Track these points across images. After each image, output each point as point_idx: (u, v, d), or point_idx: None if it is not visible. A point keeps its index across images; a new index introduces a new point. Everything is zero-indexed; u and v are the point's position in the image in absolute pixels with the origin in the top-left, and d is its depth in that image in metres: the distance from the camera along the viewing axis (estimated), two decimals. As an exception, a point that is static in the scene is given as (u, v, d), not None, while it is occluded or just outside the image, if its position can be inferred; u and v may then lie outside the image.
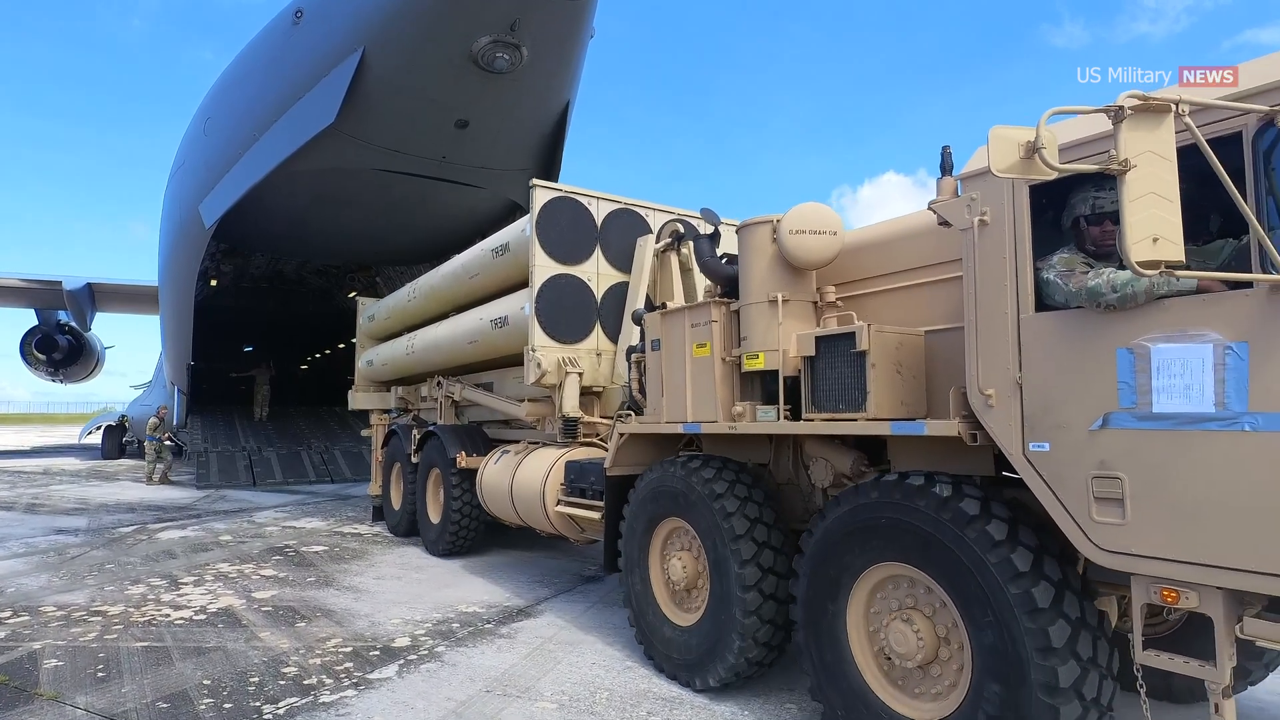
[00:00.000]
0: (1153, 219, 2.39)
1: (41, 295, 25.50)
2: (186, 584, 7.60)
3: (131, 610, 6.63)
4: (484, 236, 9.42)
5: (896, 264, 4.55)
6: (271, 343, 24.88)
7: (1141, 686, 3.08)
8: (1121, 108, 2.38)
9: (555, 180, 12.69)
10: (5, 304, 26.70)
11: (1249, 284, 2.65)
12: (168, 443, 18.01)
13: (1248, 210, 2.47)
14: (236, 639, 5.80)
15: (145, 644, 5.67)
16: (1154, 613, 3.83)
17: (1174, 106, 2.44)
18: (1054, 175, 2.48)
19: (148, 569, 8.29)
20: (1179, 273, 2.45)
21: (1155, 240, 2.39)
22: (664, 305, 6.12)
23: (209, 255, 17.43)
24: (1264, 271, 2.58)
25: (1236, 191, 2.47)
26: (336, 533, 10.87)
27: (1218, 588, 2.72)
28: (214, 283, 20.07)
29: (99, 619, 6.37)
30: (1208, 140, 2.68)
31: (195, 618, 6.40)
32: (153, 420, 18.16)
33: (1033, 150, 2.41)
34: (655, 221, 7.82)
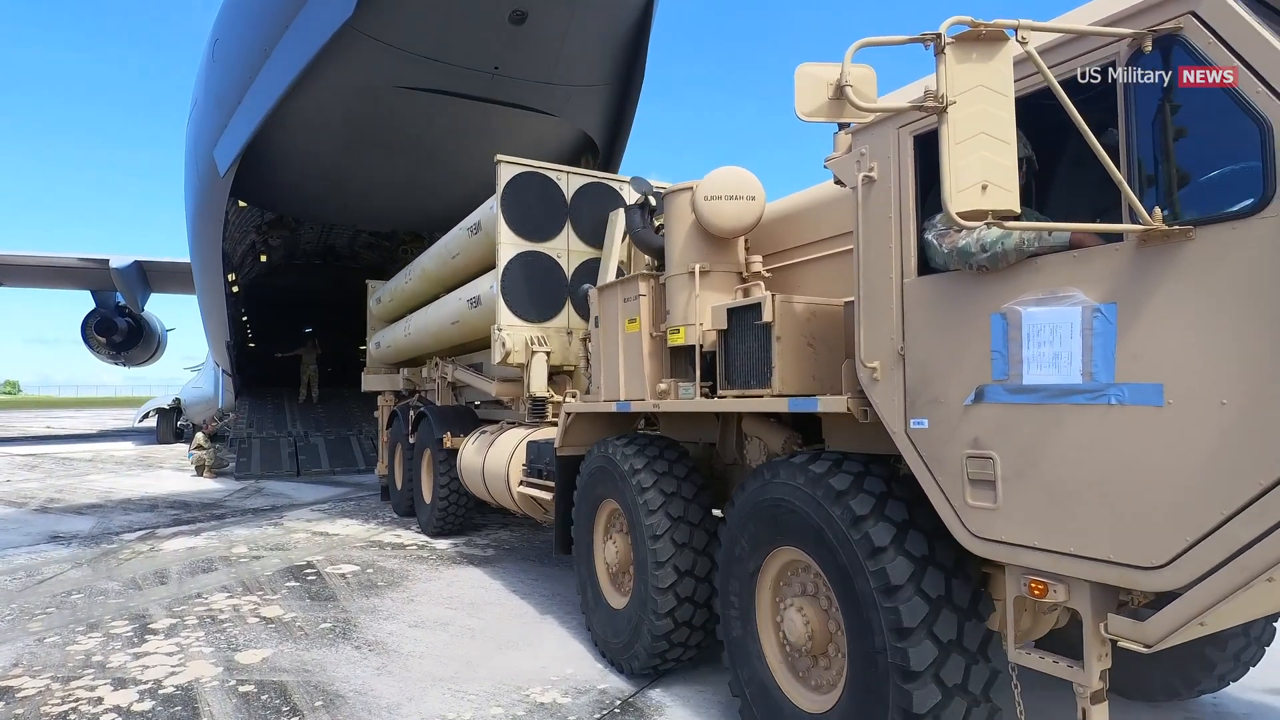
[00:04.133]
0: (982, 162, 2.09)
1: (90, 276, 24.69)
2: (156, 633, 5.62)
3: (55, 687, 4.60)
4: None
5: (823, 230, 4.27)
6: (327, 323, 24.42)
7: (1016, 686, 2.79)
8: (940, 35, 2.08)
9: (632, 112, 10.81)
10: (55, 285, 26.22)
11: (1121, 237, 2.33)
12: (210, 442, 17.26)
13: (1101, 151, 2.15)
14: (176, 765, 3.69)
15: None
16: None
17: (1012, 35, 2.14)
18: (869, 118, 2.20)
19: (120, 603, 6.40)
20: (1008, 224, 2.15)
21: (984, 188, 2.10)
22: None
23: (254, 228, 16.68)
24: (1132, 222, 2.25)
25: (1089, 131, 2.15)
26: (374, 542, 8.90)
27: (1085, 580, 2.42)
28: (264, 258, 18.84)
29: (-3, 707, 4.34)
30: (1075, 80, 2.37)
31: (136, 707, 4.31)
32: (199, 437, 17.30)
33: (840, 90, 2.14)
34: (631, 195, 7.58)
